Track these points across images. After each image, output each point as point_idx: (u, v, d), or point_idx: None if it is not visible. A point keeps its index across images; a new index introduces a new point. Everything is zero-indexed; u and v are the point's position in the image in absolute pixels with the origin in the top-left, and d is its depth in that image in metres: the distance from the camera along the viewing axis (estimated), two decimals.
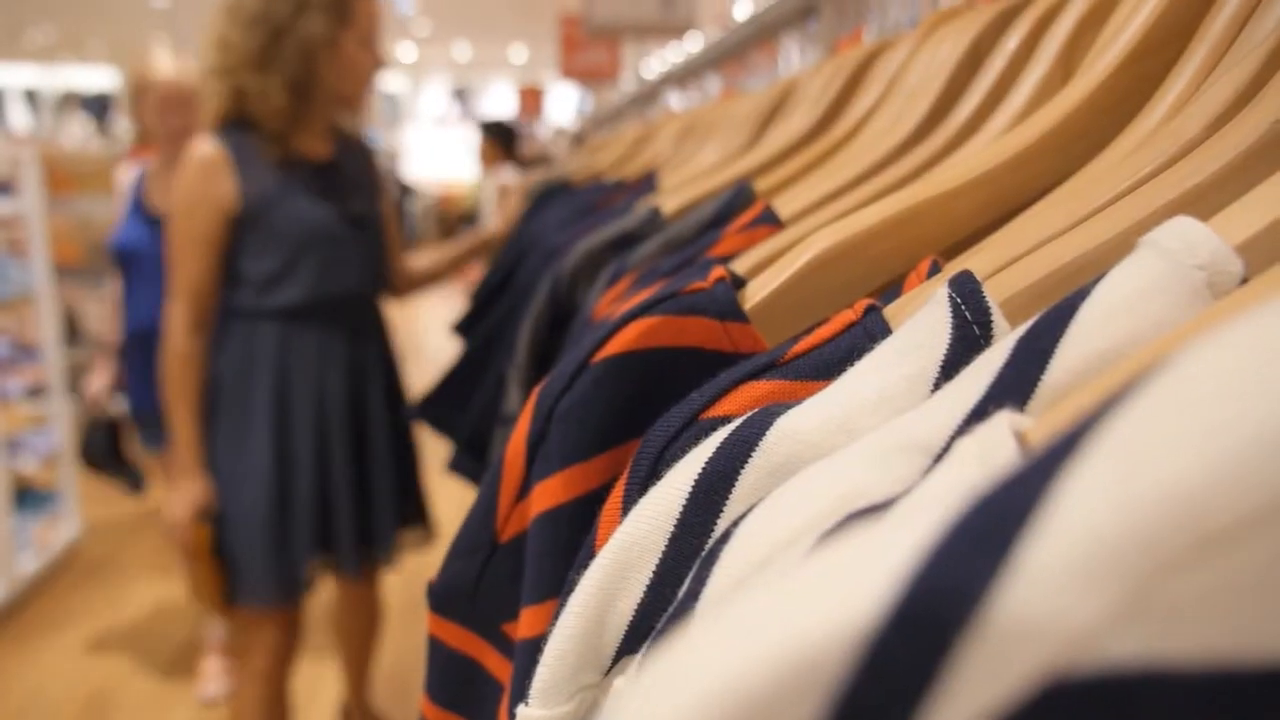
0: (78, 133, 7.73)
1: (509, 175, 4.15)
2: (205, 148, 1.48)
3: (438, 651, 0.42)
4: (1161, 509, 0.13)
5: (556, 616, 0.28)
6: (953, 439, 0.23)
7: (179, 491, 1.52)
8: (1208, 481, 0.13)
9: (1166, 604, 0.13)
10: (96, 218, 4.92)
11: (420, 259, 1.87)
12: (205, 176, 1.47)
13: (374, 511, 1.66)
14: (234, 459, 1.54)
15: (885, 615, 0.13)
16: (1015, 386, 0.24)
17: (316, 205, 1.53)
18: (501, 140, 4.46)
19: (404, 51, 13.20)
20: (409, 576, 2.61)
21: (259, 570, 1.54)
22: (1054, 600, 0.12)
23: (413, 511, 1.80)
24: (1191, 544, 0.13)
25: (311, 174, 1.55)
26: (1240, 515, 0.12)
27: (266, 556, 1.54)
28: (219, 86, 1.49)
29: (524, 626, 0.37)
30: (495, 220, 1.87)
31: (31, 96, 12.73)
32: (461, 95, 15.64)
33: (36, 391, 2.86)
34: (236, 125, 1.50)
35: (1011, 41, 0.51)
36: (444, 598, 0.42)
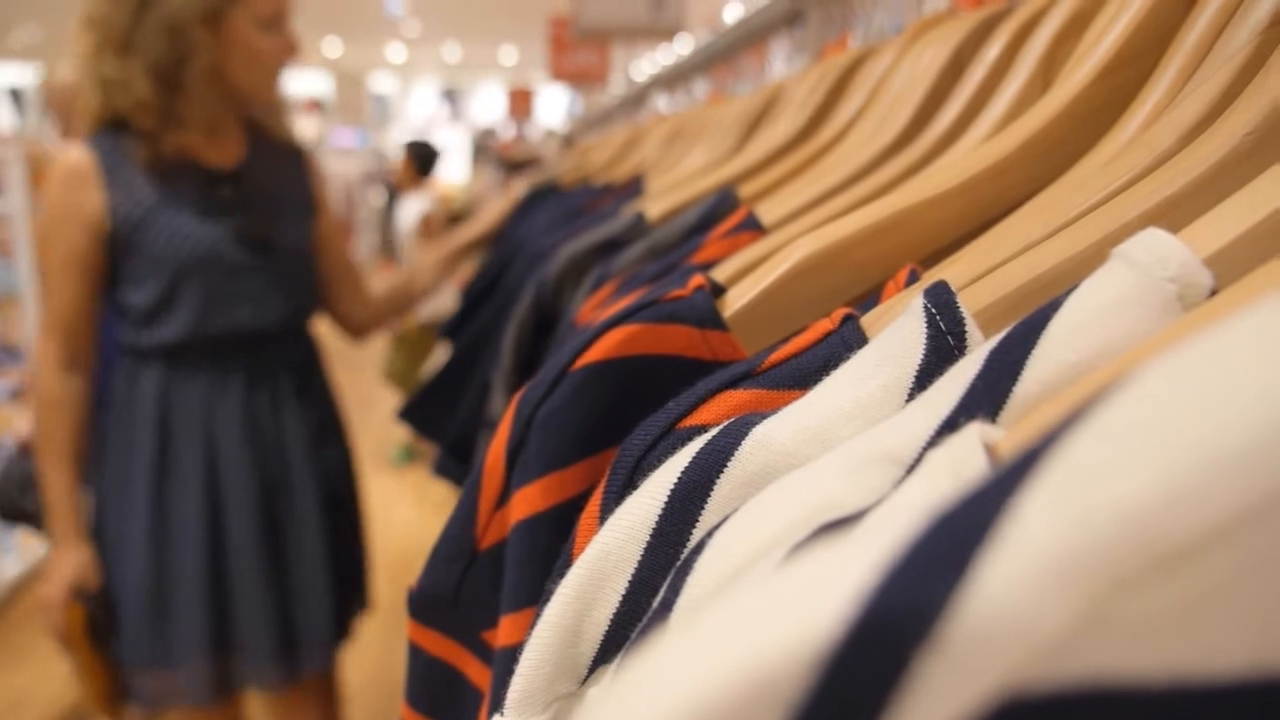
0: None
1: (423, 203, 4.02)
2: (72, 154, 1.22)
3: (418, 659, 0.42)
4: (1118, 527, 0.13)
5: (533, 626, 0.28)
6: (925, 450, 0.23)
7: (51, 564, 1.24)
8: (1164, 499, 0.13)
9: (1123, 622, 0.13)
10: None
11: (375, 286, 1.55)
12: (69, 189, 1.20)
13: (297, 605, 1.32)
14: (117, 526, 1.26)
15: (844, 632, 0.13)
16: (987, 398, 0.24)
17: (202, 222, 1.24)
18: (419, 161, 4.24)
19: (393, 52, 13.19)
20: (396, 582, 2.60)
21: (144, 664, 1.25)
22: (1011, 618, 0.13)
23: (356, 603, 1.45)
24: (1148, 562, 0.13)
25: (204, 184, 1.26)
26: (1196, 533, 0.13)
27: (154, 648, 1.24)
28: (87, 77, 1.21)
29: (503, 634, 0.37)
30: (420, 253, 1.54)
31: (17, 95, 12.66)
32: (451, 96, 15.63)
33: (21, 393, 2.85)
34: (116, 127, 1.22)
35: (992, 50, 0.52)
36: (424, 605, 0.42)
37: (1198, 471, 0.13)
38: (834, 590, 0.13)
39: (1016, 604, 0.13)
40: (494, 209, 1.54)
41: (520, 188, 1.53)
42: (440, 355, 3.90)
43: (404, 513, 3.31)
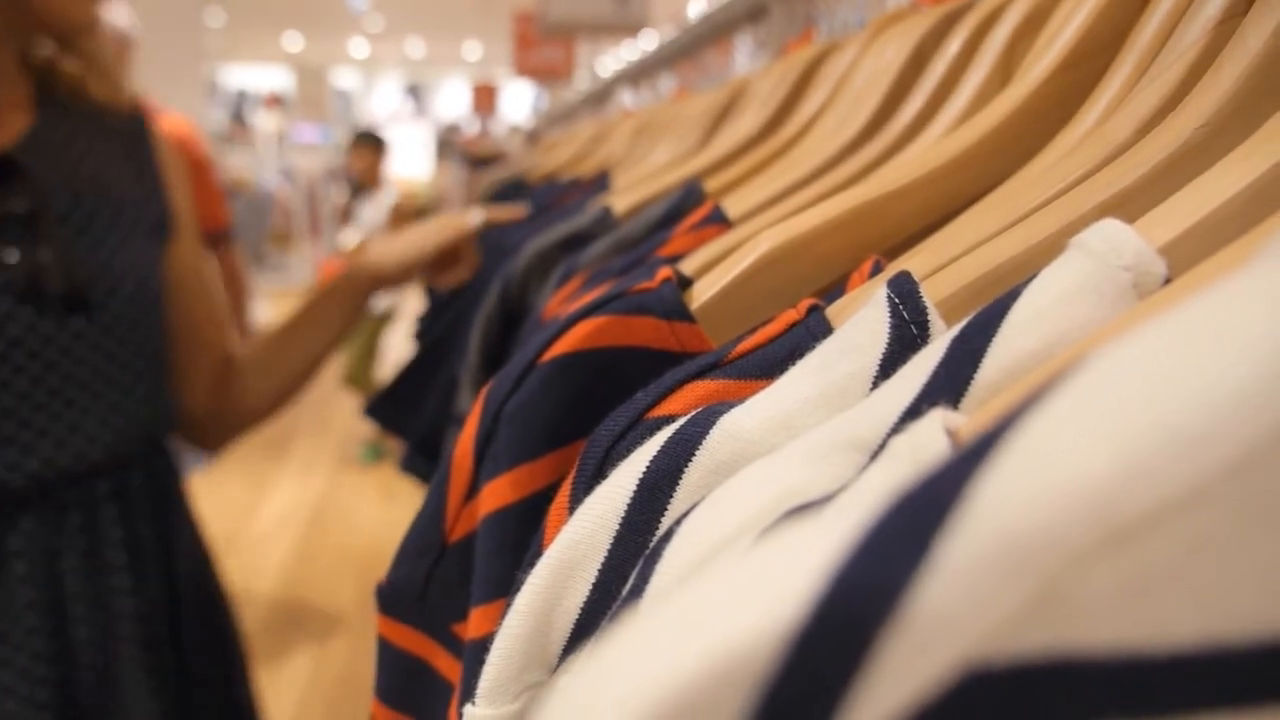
0: None
1: (391, 196, 3.84)
2: None
3: (387, 653, 0.42)
4: (1072, 504, 0.13)
5: (504, 615, 0.29)
6: (888, 436, 0.24)
7: None
8: (1116, 477, 0.13)
9: (1078, 597, 0.13)
10: None
11: (264, 347, 0.91)
12: None
13: None
14: None
15: (808, 612, 0.13)
16: (949, 385, 0.24)
17: None
18: (380, 149, 4.01)
19: (356, 47, 13.06)
20: (364, 579, 2.59)
21: None
22: (970, 596, 0.13)
23: None
24: (1101, 538, 0.13)
25: None
26: (1147, 509, 0.13)
27: None
28: None
29: (473, 627, 0.37)
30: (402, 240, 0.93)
31: None
32: (415, 92, 15.51)
33: None
34: None
35: (953, 45, 0.52)
36: (393, 599, 0.42)
37: (1150, 450, 0.13)
38: (798, 572, 0.14)
39: (975, 582, 0.13)
40: (433, 234, 0.92)
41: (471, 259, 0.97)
42: (394, 350, 3.86)
43: (369, 511, 3.29)
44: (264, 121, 9.30)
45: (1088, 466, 0.13)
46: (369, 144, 4.04)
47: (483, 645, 0.35)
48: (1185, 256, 0.25)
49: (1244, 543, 0.13)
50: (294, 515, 3.20)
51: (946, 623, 0.13)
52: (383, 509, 3.30)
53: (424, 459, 0.89)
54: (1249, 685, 0.14)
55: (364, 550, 2.86)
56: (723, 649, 0.13)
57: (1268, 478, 0.13)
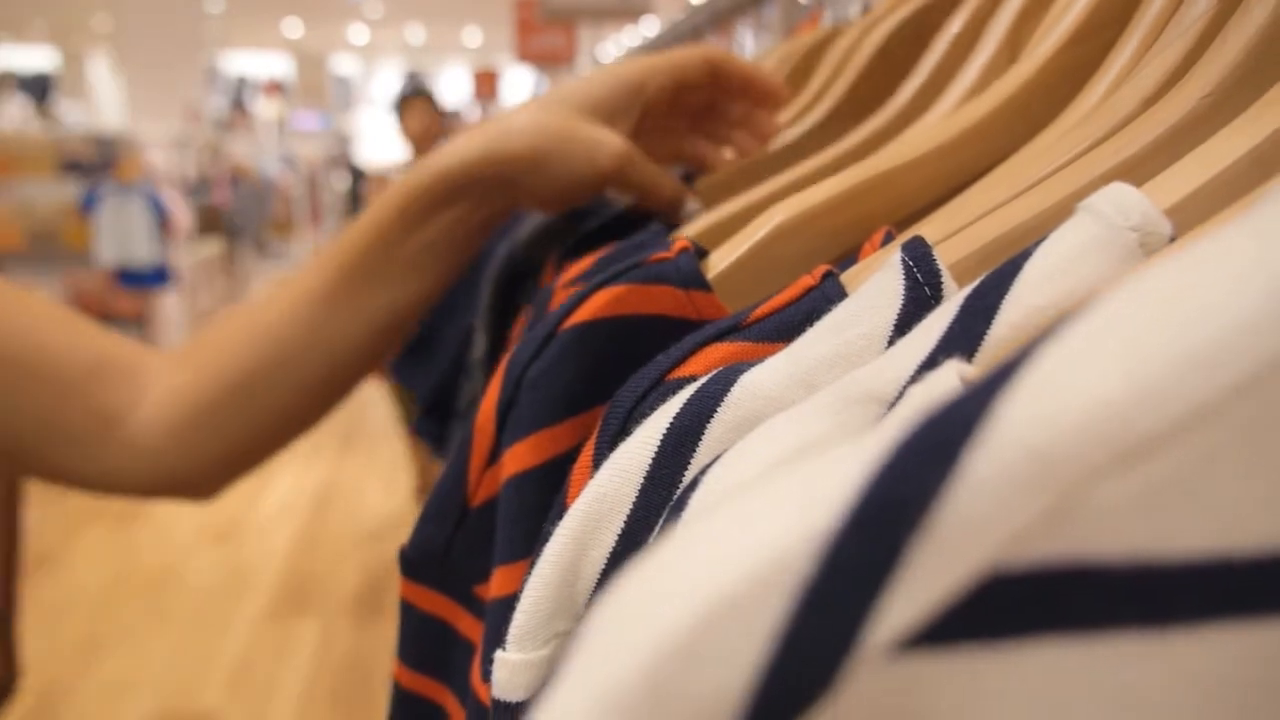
0: (17, 115, 7.53)
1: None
2: None
3: (410, 615, 0.44)
4: (1088, 423, 0.14)
5: (531, 567, 0.30)
6: (905, 387, 0.25)
7: None
8: (1129, 397, 0.14)
9: (1094, 508, 0.14)
10: (38, 203, 4.83)
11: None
12: None
13: None
14: None
15: (846, 519, 0.14)
16: (963, 339, 0.25)
17: None
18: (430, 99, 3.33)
19: (355, 34, 13.03)
20: (368, 564, 2.60)
21: None
22: (995, 504, 0.14)
23: None
24: (1115, 454, 0.14)
25: None
26: (1158, 426, 0.14)
27: None
28: None
29: (495, 586, 0.38)
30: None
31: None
32: (415, 79, 15.48)
33: None
34: None
35: (955, 25, 0.53)
36: (416, 562, 0.43)
37: (1160, 373, 0.14)
38: (833, 483, 0.15)
39: (1000, 492, 0.14)
40: None
41: None
42: None
43: (373, 496, 3.31)
44: (264, 108, 9.29)
45: (1102, 388, 0.14)
46: (418, 97, 3.21)
47: (507, 603, 0.36)
48: (1190, 217, 0.26)
49: (1249, 459, 0.14)
50: (298, 500, 3.22)
51: (973, 529, 0.14)
52: (386, 494, 3.32)
53: (434, 421, 0.90)
54: (1256, 594, 0.15)
55: (368, 535, 2.88)
56: (762, 550, 0.14)
57: (1271, 398, 0.14)
